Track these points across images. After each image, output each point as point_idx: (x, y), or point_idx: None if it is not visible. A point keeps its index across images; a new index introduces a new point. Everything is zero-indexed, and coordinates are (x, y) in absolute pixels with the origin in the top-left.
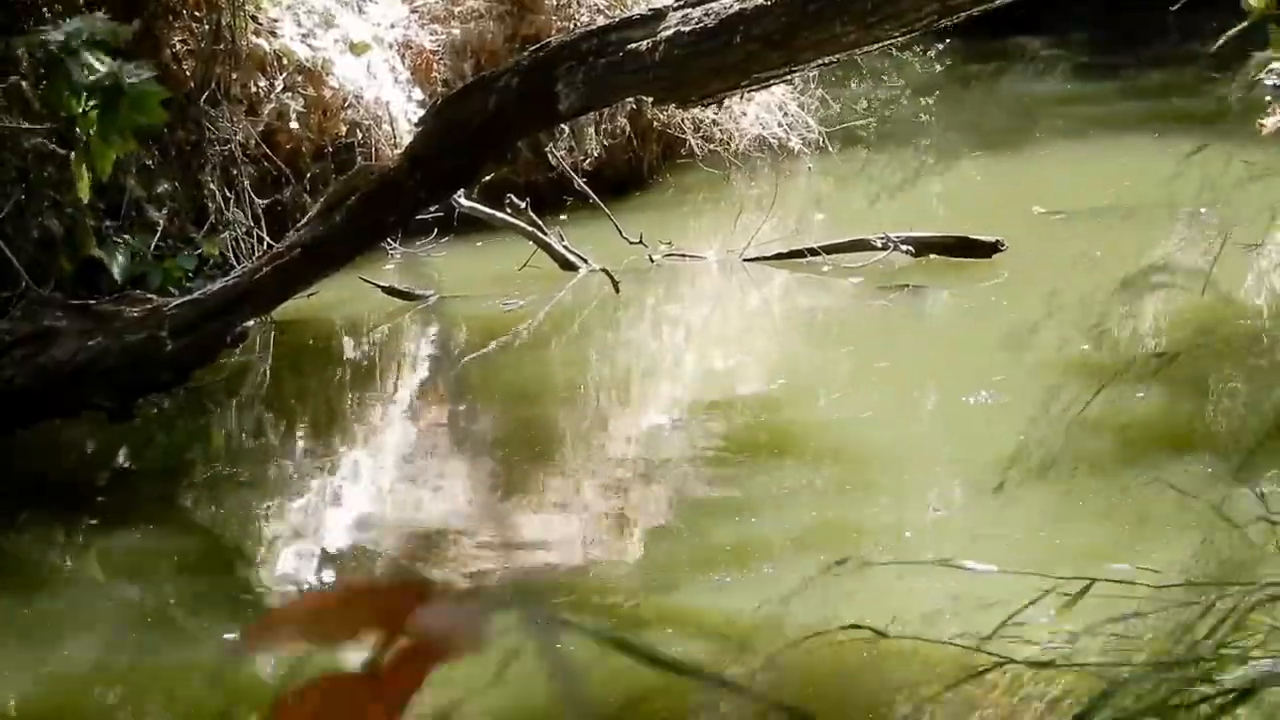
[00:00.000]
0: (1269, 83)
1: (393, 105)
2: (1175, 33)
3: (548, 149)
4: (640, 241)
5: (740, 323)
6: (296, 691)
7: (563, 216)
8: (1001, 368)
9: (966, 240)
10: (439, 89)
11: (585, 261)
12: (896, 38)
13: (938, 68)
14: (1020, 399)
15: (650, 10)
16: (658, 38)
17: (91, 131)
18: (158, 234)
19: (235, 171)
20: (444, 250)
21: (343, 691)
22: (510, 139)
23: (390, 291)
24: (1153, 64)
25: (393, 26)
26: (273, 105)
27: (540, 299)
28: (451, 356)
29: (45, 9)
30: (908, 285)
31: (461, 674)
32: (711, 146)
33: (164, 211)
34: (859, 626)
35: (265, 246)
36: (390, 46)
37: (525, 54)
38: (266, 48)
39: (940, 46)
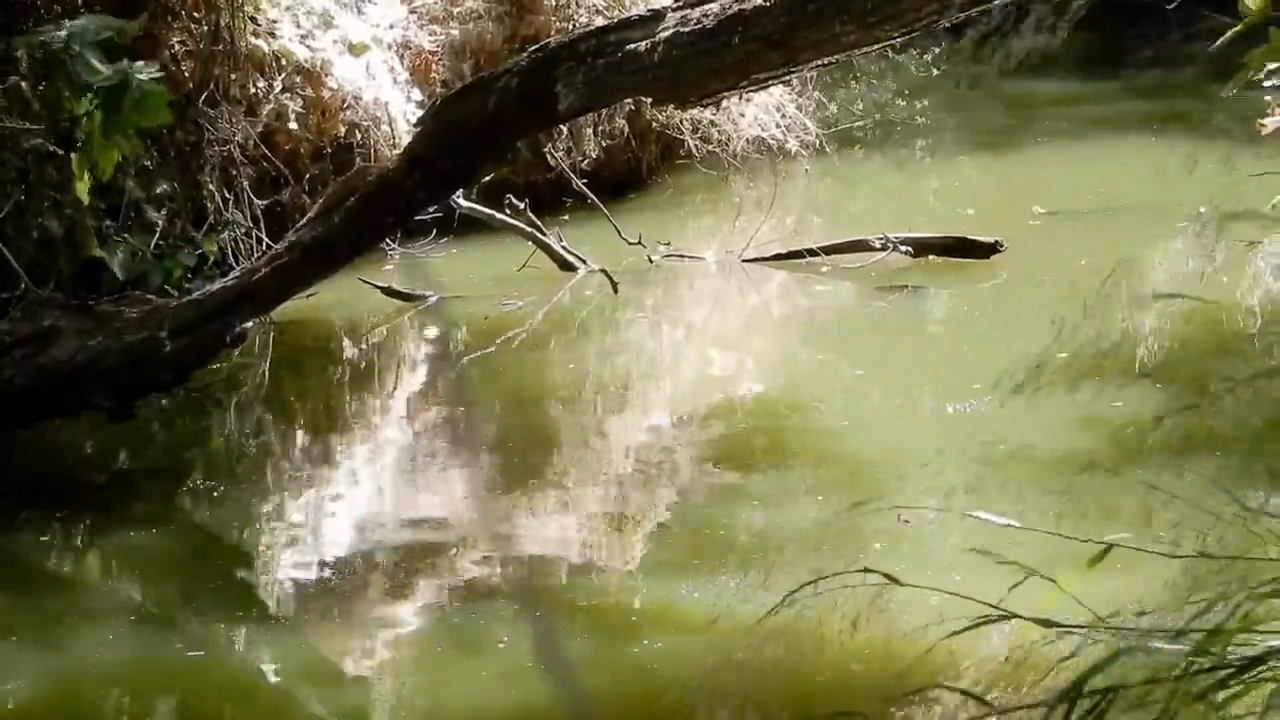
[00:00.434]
0: (1268, 83)
1: (391, 106)
2: (1175, 32)
3: (547, 150)
4: (639, 242)
5: (739, 323)
6: None
7: (562, 217)
8: (1000, 368)
9: (965, 241)
10: (438, 90)
11: (584, 262)
12: (896, 38)
13: (934, 72)
14: (1019, 400)
15: (649, 11)
16: (656, 38)
17: (96, 130)
18: (157, 234)
19: (234, 172)
20: (443, 251)
21: None
22: (509, 140)
23: (389, 292)
24: (1153, 64)
25: (391, 27)
26: (271, 106)
27: (539, 300)
28: (451, 357)
29: (44, 9)
30: (907, 286)
31: (462, 673)
32: (710, 147)
33: (163, 212)
34: (871, 571)
35: (264, 247)
36: (389, 47)
37: (524, 55)
38: (265, 48)
39: (936, 50)
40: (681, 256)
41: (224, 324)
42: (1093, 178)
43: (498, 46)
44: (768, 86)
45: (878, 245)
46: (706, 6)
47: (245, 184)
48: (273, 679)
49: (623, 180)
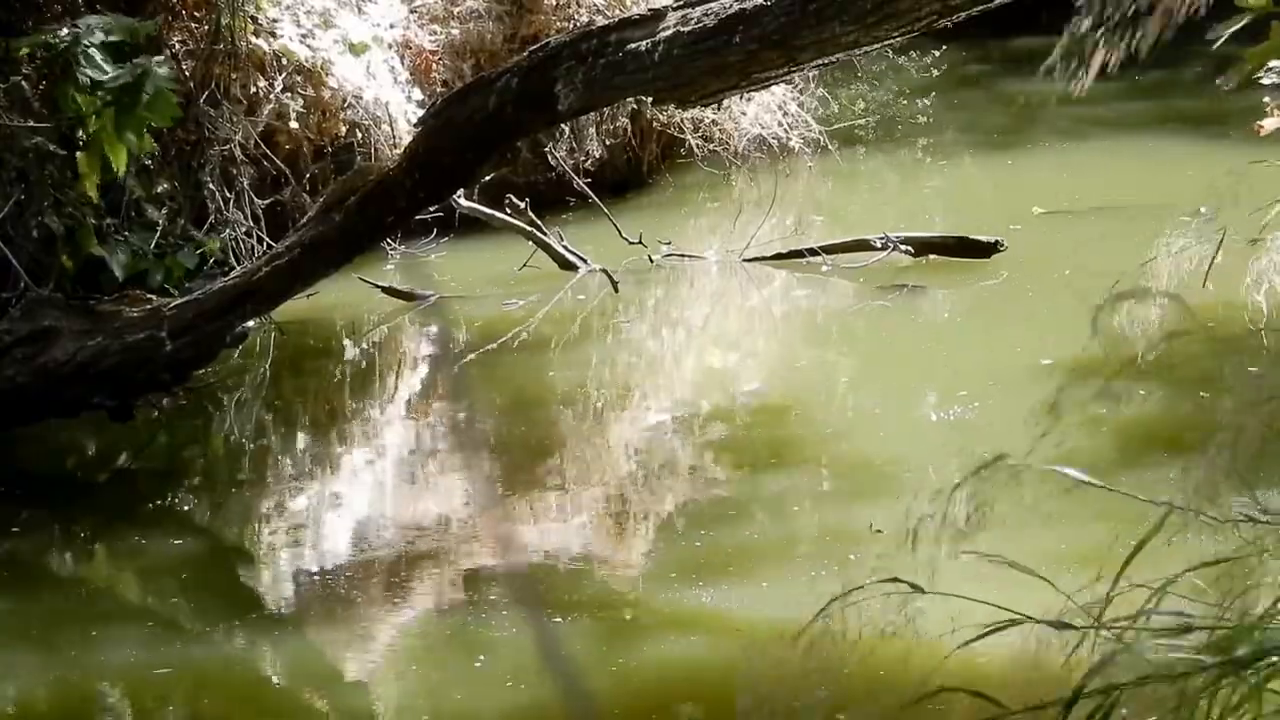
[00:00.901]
0: (1266, 82)
1: (392, 105)
2: (1175, 32)
3: (547, 149)
4: (640, 242)
5: (739, 323)
6: None
7: (563, 216)
8: (1000, 368)
9: (966, 240)
10: (438, 89)
11: (585, 261)
12: (896, 38)
13: (934, 73)
14: (1019, 400)
15: (650, 10)
16: (657, 38)
17: (108, 128)
18: (157, 233)
19: (235, 172)
20: (444, 250)
21: None
22: (510, 139)
23: (390, 292)
24: (1153, 64)
25: (392, 27)
26: (272, 105)
27: (540, 299)
28: (451, 357)
29: (45, 9)
30: (907, 285)
31: (462, 674)
32: (711, 146)
33: (164, 211)
34: (897, 580)
35: (265, 247)
36: (389, 47)
37: (525, 54)
38: (266, 48)
39: (937, 52)
40: (682, 256)
41: (224, 324)
42: (1094, 177)
43: (498, 46)
44: (769, 86)
45: (878, 245)
46: (707, 6)
47: (246, 183)
48: (273, 679)
49: (623, 179)
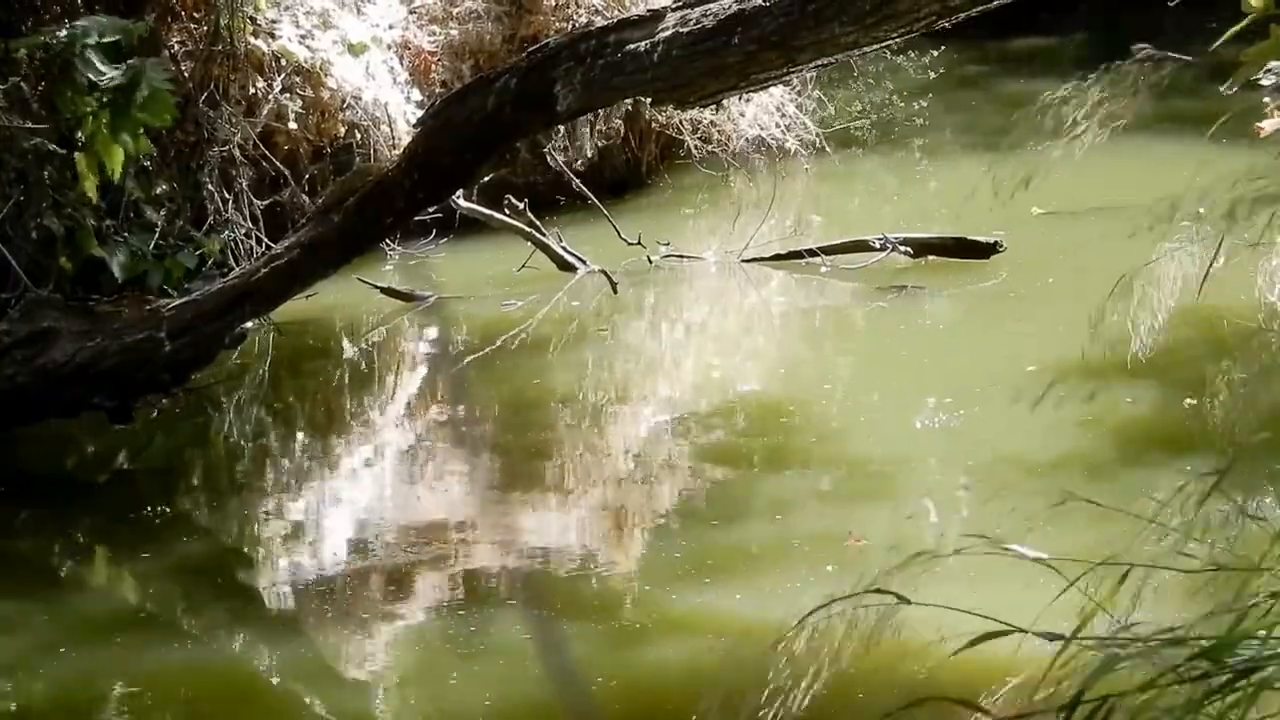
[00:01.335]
0: (1265, 82)
1: (391, 106)
2: (1175, 32)
3: (546, 150)
4: (638, 242)
5: (738, 324)
6: None
7: (561, 217)
8: (999, 369)
9: (965, 241)
10: (437, 90)
11: (584, 262)
12: (896, 38)
13: (932, 74)
14: (1018, 400)
15: (649, 11)
16: (656, 39)
17: (103, 129)
18: (157, 234)
19: (234, 172)
20: (443, 251)
21: None
22: (508, 140)
23: (389, 292)
24: (1153, 64)
25: (391, 27)
26: (271, 106)
27: (539, 300)
28: (450, 358)
29: (44, 9)
30: (906, 286)
31: (462, 675)
32: (709, 147)
33: (163, 212)
34: (883, 591)
35: (264, 247)
36: (389, 47)
37: (523, 55)
38: (265, 49)
39: (935, 53)
40: (681, 256)
41: (223, 324)
42: (1093, 177)
43: (497, 46)
44: (767, 87)
45: (877, 245)
46: (706, 7)
47: (245, 184)
48: (273, 680)
49: (622, 180)
